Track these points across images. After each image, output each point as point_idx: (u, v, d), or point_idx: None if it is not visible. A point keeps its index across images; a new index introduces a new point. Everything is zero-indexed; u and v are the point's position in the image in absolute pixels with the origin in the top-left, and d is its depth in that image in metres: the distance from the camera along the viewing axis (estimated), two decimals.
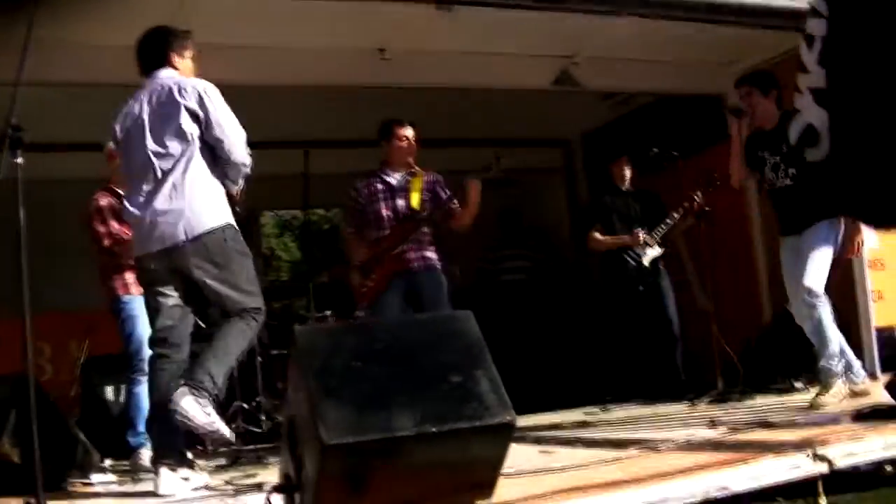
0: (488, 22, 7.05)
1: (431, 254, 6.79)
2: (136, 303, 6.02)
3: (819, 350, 6.11)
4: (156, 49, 5.13)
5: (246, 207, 5.54)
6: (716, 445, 4.69)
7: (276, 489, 3.47)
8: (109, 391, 7.23)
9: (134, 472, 5.73)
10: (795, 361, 7.72)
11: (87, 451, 5.59)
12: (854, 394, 6.05)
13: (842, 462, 4.07)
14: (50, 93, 6.65)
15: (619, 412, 7.39)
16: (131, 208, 4.92)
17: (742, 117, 6.42)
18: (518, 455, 4.36)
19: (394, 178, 6.84)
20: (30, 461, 4.90)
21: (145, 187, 4.87)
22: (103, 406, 7.26)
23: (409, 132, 6.88)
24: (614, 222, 8.41)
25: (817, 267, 6.00)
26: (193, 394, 4.47)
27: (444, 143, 9.25)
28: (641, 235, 8.15)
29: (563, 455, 4.81)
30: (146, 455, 5.81)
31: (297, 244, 20.33)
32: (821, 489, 3.99)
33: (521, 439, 5.31)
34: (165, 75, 5.05)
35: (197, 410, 4.43)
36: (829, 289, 6.15)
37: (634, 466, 4.15)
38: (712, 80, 8.76)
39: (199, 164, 4.88)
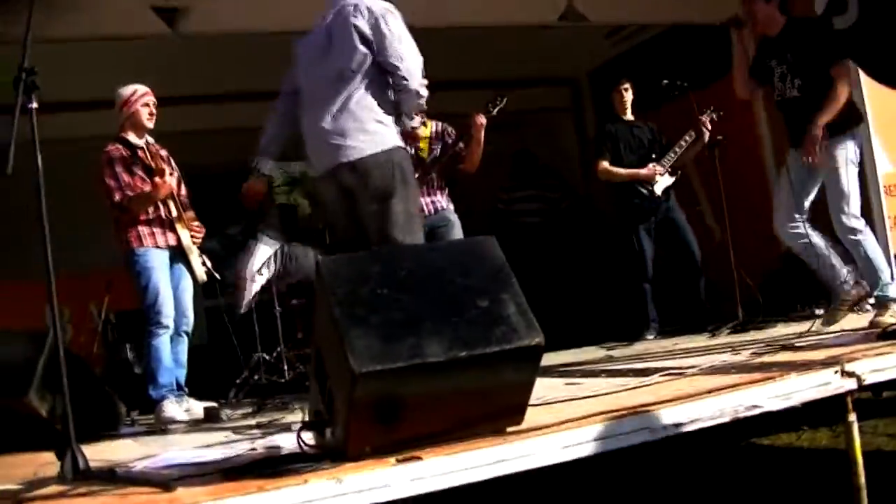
0: None
1: (441, 197, 6.96)
2: (151, 254, 5.99)
3: (871, 279, 5.86)
4: None
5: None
6: (741, 368, 4.66)
7: (307, 426, 3.45)
8: (130, 347, 7.26)
9: (160, 425, 5.73)
10: (815, 289, 7.71)
11: (114, 403, 5.62)
12: None
13: (870, 378, 4.01)
14: (60, 50, 6.58)
15: (639, 346, 7.42)
16: (306, 129, 4.92)
17: (742, 28, 6.18)
18: (544, 387, 4.38)
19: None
20: (56, 415, 4.95)
21: (316, 109, 4.85)
22: (125, 362, 7.29)
23: None
24: (622, 152, 8.25)
25: (852, 193, 5.80)
26: None
27: (450, 86, 9.17)
28: (657, 168, 8.05)
29: (590, 385, 4.79)
30: (169, 407, 5.82)
31: (307, 201, 20.34)
32: (850, 405, 3.96)
33: (546, 373, 5.30)
34: None
35: None
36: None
37: (663, 390, 4.14)
38: (721, 8, 8.64)
39: (368, 88, 4.81)
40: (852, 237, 5.81)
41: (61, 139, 6.40)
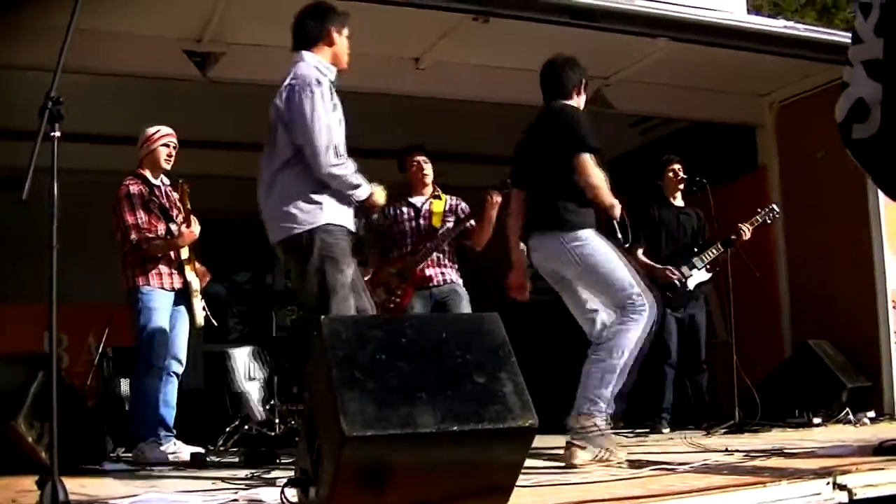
0: (524, 37, 7.06)
1: (451, 271, 6.95)
2: (154, 295, 5.95)
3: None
4: (307, 27, 4.99)
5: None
6: (733, 469, 4.63)
7: (291, 483, 3.43)
8: (124, 384, 7.22)
9: (142, 464, 5.69)
10: (814, 396, 7.67)
11: (101, 437, 5.59)
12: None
13: (862, 492, 3.98)
14: (82, 81, 6.62)
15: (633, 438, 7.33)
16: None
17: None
18: (534, 470, 4.35)
19: (418, 201, 7.02)
20: (42, 442, 4.93)
21: (260, 186, 4.89)
22: (118, 398, 7.25)
23: (418, 157, 7.02)
24: (661, 240, 7.96)
25: (615, 271, 5.34)
26: None
27: (471, 159, 9.23)
28: (675, 274, 7.77)
29: (580, 472, 4.76)
30: (149, 448, 5.79)
31: None
32: None
33: (538, 456, 5.28)
34: (298, 62, 4.93)
35: None
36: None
37: (652, 484, 4.11)
38: (747, 109, 8.77)
39: (295, 167, 4.75)
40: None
41: (77, 170, 6.44)
